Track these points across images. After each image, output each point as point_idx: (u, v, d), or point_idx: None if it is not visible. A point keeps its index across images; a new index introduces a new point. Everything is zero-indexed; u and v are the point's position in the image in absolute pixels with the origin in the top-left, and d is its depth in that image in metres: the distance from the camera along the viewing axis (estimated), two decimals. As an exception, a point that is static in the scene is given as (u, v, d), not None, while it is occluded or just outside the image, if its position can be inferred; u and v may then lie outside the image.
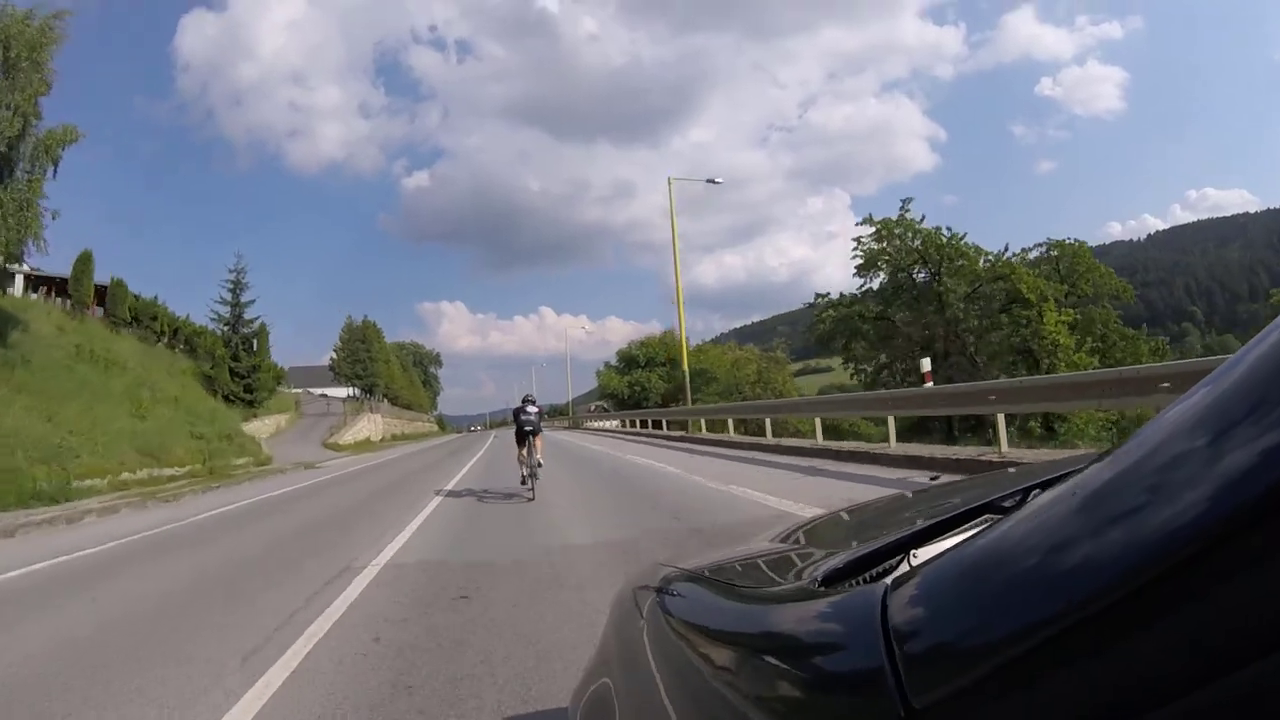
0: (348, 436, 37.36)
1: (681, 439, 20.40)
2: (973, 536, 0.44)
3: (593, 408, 62.55)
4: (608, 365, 50.39)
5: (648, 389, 45.64)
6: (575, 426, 46.52)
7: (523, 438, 8.61)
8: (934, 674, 0.37)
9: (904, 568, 0.58)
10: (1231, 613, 0.26)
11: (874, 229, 28.67)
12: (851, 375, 33.44)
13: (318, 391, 52.98)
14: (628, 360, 48.98)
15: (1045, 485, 0.55)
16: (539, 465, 8.33)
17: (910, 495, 1.36)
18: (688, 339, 51.76)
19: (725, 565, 0.91)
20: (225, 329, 36.65)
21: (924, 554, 0.60)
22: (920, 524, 0.69)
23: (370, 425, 43.41)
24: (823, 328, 31.26)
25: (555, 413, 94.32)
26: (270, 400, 44.76)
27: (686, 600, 0.77)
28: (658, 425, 29.39)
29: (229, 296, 36.59)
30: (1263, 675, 0.25)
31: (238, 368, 35.07)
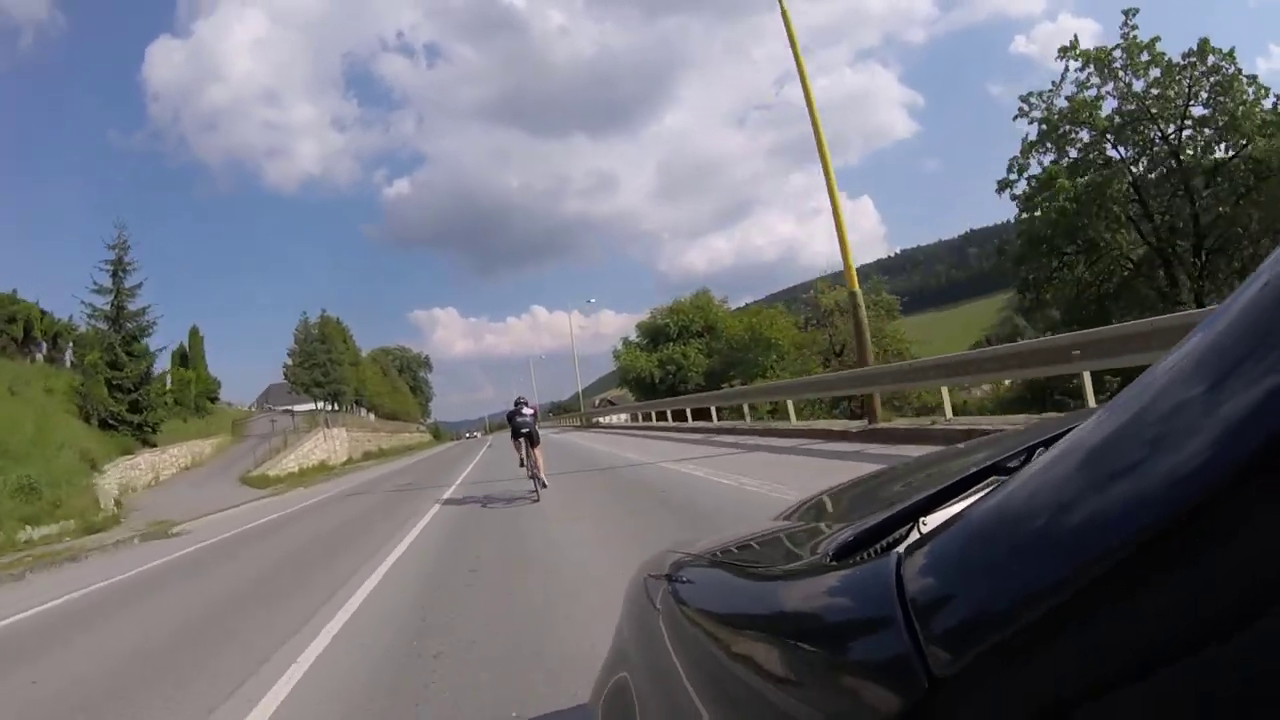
0: (289, 463, 27.36)
1: (754, 432, 14.10)
2: (979, 500, 0.45)
3: (597, 402, 53.22)
4: (627, 343, 40.23)
5: (685, 367, 35.50)
6: (588, 425, 39.75)
7: (518, 438, 8.71)
8: (954, 642, 0.37)
9: (914, 535, 0.57)
10: (1244, 562, 0.26)
11: (1081, 62, 18.37)
12: (1027, 302, 23.58)
13: (281, 409, 43.40)
14: (652, 333, 38.92)
15: (1049, 443, 0.55)
16: (543, 481, 8.28)
17: (915, 461, 1.35)
18: (721, 301, 42.79)
19: (734, 547, 0.92)
20: (106, 328, 26.41)
21: (933, 520, 0.60)
22: (927, 490, 0.67)
23: (326, 445, 33.36)
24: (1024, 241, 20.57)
25: (561, 410, 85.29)
26: (193, 421, 34.94)
27: (698, 585, 0.78)
28: (698, 414, 23.24)
29: (108, 283, 26.40)
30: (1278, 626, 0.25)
31: (120, 379, 25.00)
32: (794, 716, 0.47)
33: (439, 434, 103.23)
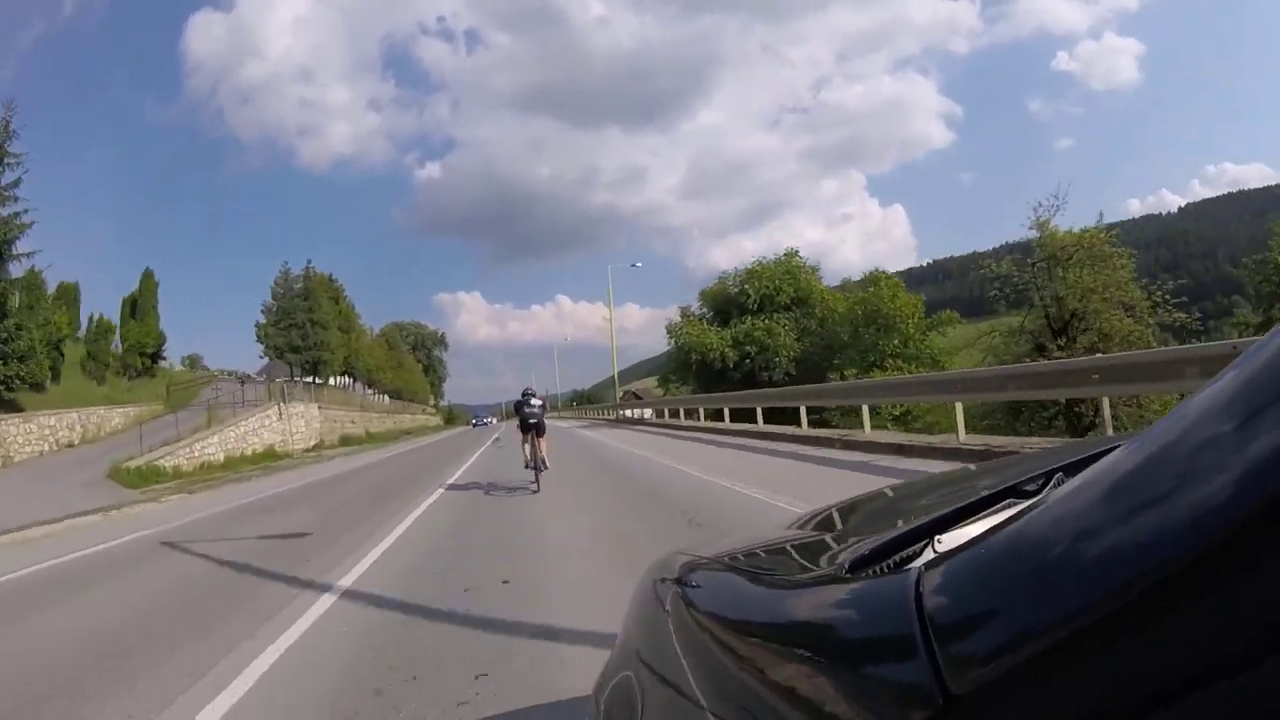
0: (207, 447, 19.07)
1: (896, 449, 9.14)
2: (1004, 522, 0.45)
3: (621, 395, 45.28)
4: (688, 317, 31.32)
5: (771, 348, 26.51)
6: (620, 421, 33.57)
7: (526, 429, 8.63)
8: (972, 660, 0.37)
9: (929, 554, 0.58)
10: (1268, 600, 0.26)
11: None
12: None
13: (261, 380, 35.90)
14: (721, 304, 29.96)
15: (1070, 468, 0.56)
16: (544, 466, 8.35)
17: (933, 479, 1.34)
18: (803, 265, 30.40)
19: (746, 553, 0.92)
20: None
21: (949, 539, 0.60)
22: (944, 509, 0.68)
23: (284, 425, 25.13)
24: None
25: (584, 400, 76.75)
26: (123, 384, 27.11)
27: (709, 589, 0.77)
28: (737, 415, 18.80)
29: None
30: None
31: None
32: None
33: (452, 417, 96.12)
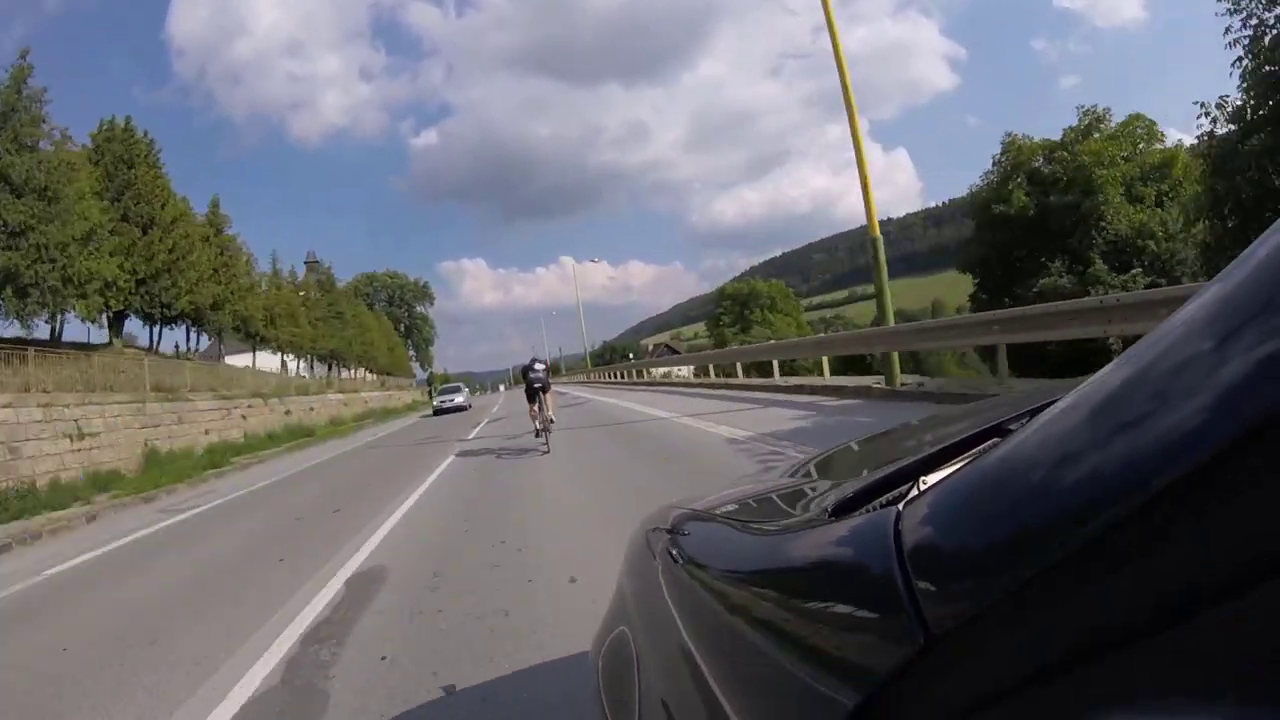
0: None
1: None
2: (980, 455, 0.46)
3: (650, 348, 32.93)
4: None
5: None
6: (641, 377, 29.07)
7: (533, 395, 9.25)
8: (951, 598, 0.38)
9: (914, 494, 0.57)
10: (1248, 524, 0.27)
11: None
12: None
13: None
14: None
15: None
16: (551, 421, 9.08)
17: (918, 422, 1.37)
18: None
19: (736, 503, 0.94)
20: None
21: (933, 479, 0.60)
22: (929, 449, 0.70)
23: None
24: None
25: (603, 359, 64.61)
26: None
27: (698, 540, 0.79)
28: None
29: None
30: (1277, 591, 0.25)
31: None
32: (791, 670, 0.48)
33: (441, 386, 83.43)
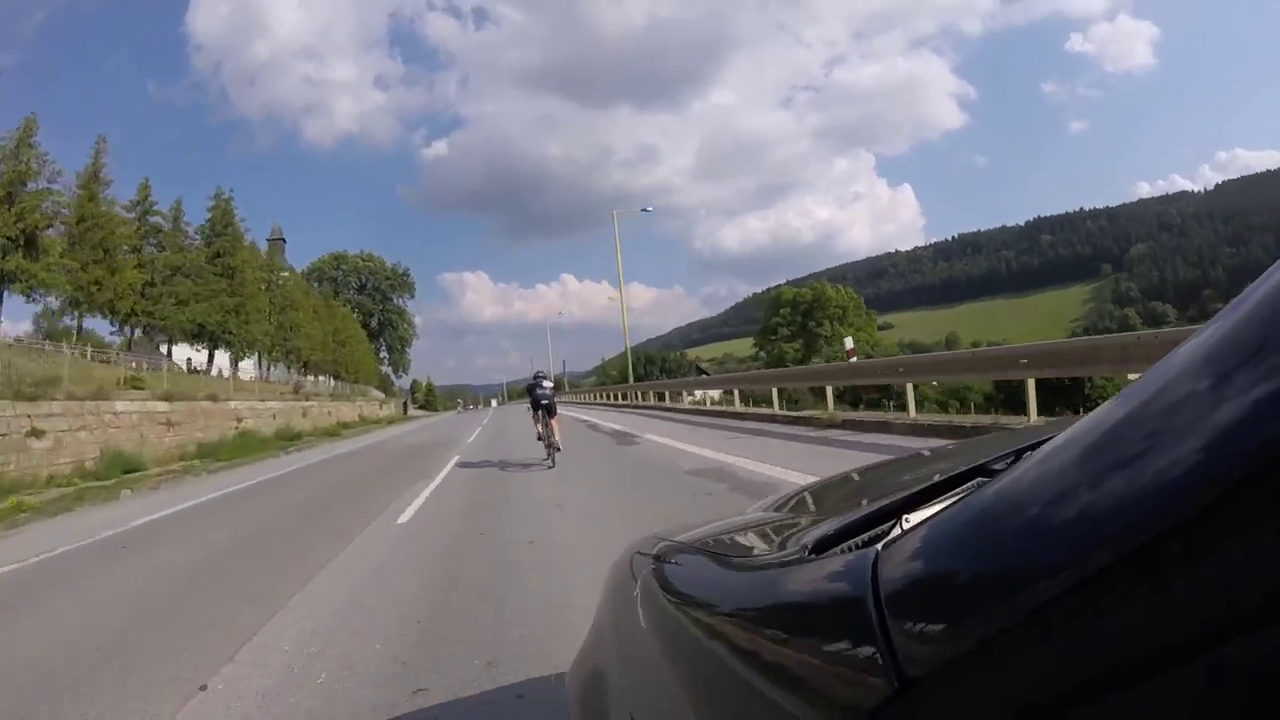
0: None
1: None
2: (966, 494, 0.46)
3: (691, 362, 30.07)
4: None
5: None
6: (662, 400, 24.58)
7: (538, 411, 9.12)
8: (927, 641, 0.37)
9: (895, 533, 0.59)
10: (1240, 573, 0.26)
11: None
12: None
13: None
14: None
15: (1038, 446, 0.55)
16: (558, 449, 8.90)
17: (901, 460, 1.37)
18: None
19: (721, 535, 0.95)
20: None
21: (915, 519, 0.62)
22: (911, 489, 0.70)
23: None
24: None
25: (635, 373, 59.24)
26: None
27: (681, 570, 0.81)
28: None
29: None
30: (1271, 640, 0.25)
31: None
32: (767, 707, 0.49)
33: (432, 401, 76.47)
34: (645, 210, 34.96)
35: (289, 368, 36.02)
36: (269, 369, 35.52)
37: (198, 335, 25.71)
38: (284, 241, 62.36)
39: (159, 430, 18.14)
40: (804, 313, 55.22)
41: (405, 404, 35.72)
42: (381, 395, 54.81)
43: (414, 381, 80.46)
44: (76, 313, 20.95)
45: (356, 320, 58.56)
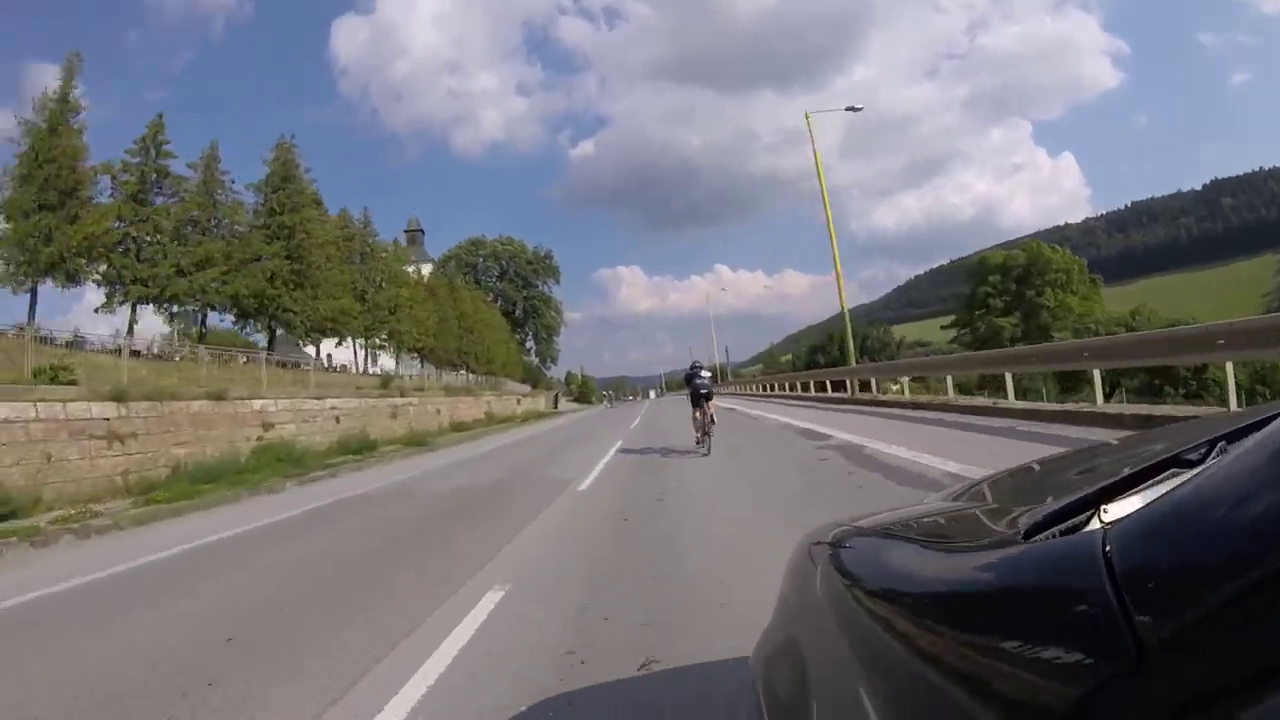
0: None
1: None
2: (1177, 487, 0.50)
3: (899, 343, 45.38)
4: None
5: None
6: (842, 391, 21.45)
7: (696, 401, 9.83)
8: (1160, 613, 0.42)
9: (1094, 524, 0.61)
10: None
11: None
12: None
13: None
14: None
15: (1232, 436, 0.63)
16: (713, 422, 9.65)
17: (1084, 451, 1.38)
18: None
19: (904, 523, 0.98)
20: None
21: (1114, 509, 0.63)
22: (1108, 479, 0.72)
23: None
24: None
25: (814, 360, 48.88)
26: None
27: (869, 557, 0.84)
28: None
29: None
30: None
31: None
32: (971, 684, 0.51)
33: (586, 394, 71.36)
34: (853, 109, 23.43)
35: (395, 357, 30.22)
36: (367, 358, 29.83)
37: (241, 312, 19.80)
38: (422, 233, 59.27)
39: (91, 448, 11.43)
40: (1017, 279, 48.68)
41: (556, 398, 29.63)
42: (525, 388, 48.77)
43: (568, 373, 75.20)
44: (25, 277, 15.42)
45: (497, 309, 53.47)
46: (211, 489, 11.08)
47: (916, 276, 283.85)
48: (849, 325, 24.86)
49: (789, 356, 75.26)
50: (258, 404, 15.40)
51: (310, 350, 31.58)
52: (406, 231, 56.55)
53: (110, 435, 11.82)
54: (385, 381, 22.45)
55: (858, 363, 24.54)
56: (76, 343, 16.77)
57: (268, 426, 15.44)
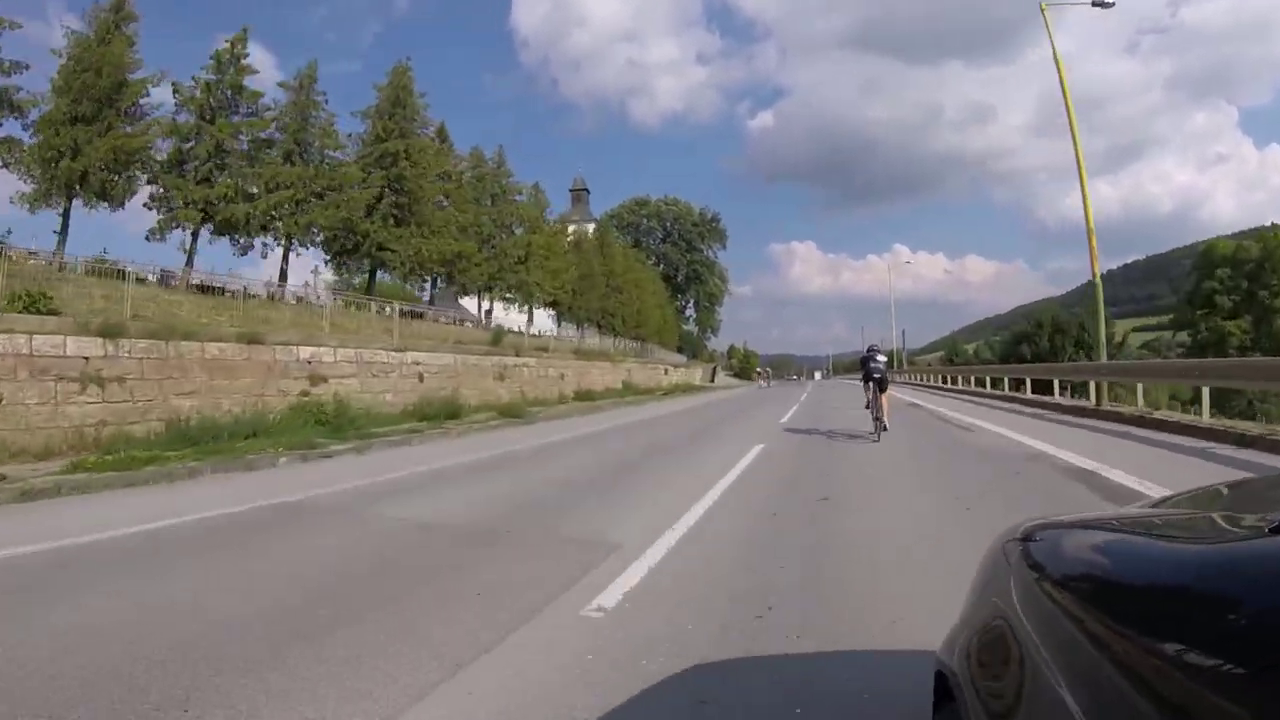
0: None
1: None
2: None
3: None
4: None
5: None
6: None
7: (869, 385, 9.56)
8: None
9: None
10: None
11: None
12: None
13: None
14: None
15: None
16: (885, 429, 9.17)
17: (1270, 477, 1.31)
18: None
19: (1111, 521, 0.96)
20: None
21: None
22: None
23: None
24: None
25: (1016, 351, 39.66)
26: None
27: (1079, 553, 0.82)
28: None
29: None
30: None
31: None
32: (1206, 678, 0.51)
33: (747, 369, 66.24)
34: (1101, 4, 14.75)
35: (527, 312, 27.39)
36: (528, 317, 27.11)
37: (337, 249, 17.54)
38: (587, 193, 57.08)
39: (57, 392, 9.10)
40: (1248, 276, 41.65)
41: (714, 371, 25.37)
42: (680, 358, 44.67)
43: (731, 346, 69.97)
44: (59, 198, 13.87)
45: (658, 272, 49.74)
46: (179, 457, 8.17)
47: (1110, 271, 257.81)
48: (1102, 305, 16.34)
49: (975, 346, 65.48)
50: (306, 351, 12.62)
51: (471, 308, 30.26)
52: (572, 191, 54.66)
53: (86, 378, 9.41)
54: (497, 337, 19.39)
55: (1091, 358, 17.19)
56: (165, 278, 15.45)
57: (317, 380, 12.68)
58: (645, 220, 56.51)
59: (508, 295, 25.27)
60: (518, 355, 20.12)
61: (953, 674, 0.94)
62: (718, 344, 65.60)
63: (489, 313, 28.87)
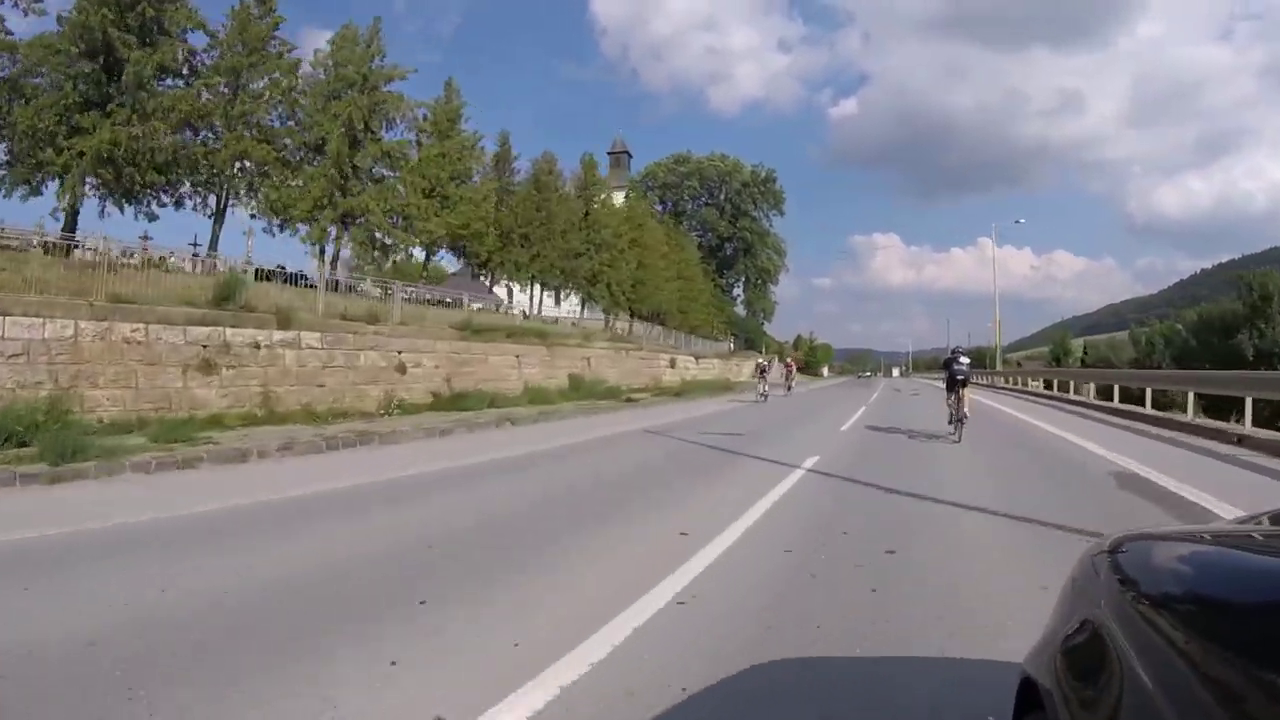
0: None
1: None
2: None
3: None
4: None
5: None
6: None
7: (952, 386, 10.23)
8: None
9: None
10: None
11: None
12: None
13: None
14: None
15: None
16: (966, 417, 9.96)
17: None
18: None
19: (1207, 534, 0.98)
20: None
21: None
22: None
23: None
24: None
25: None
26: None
27: (1171, 566, 0.84)
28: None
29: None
30: None
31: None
32: None
33: (814, 363, 60.40)
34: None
35: (524, 291, 24.42)
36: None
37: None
38: (629, 155, 52.77)
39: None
40: None
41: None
42: (724, 347, 40.91)
43: (798, 337, 64.21)
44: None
45: (699, 245, 45.39)
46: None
47: (1203, 270, 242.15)
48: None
49: (1147, 331, 50.63)
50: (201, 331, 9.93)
51: (502, 294, 27.12)
52: (610, 154, 50.31)
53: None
54: (466, 325, 16.48)
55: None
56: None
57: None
58: (686, 180, 50.21)
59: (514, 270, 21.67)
60: (516, 340, 17.03)
61: (1042, 684, 0.96)
62: (779, 330, 60.18)
63: (510, 293, 26.23)
